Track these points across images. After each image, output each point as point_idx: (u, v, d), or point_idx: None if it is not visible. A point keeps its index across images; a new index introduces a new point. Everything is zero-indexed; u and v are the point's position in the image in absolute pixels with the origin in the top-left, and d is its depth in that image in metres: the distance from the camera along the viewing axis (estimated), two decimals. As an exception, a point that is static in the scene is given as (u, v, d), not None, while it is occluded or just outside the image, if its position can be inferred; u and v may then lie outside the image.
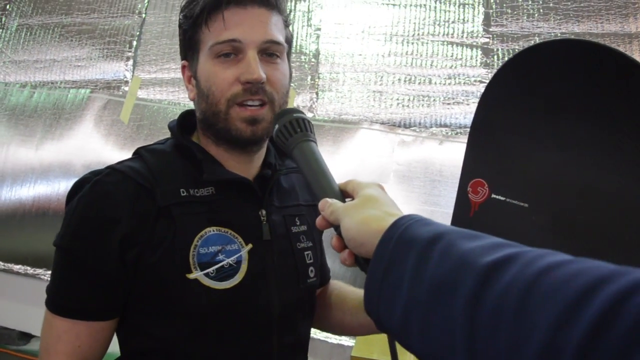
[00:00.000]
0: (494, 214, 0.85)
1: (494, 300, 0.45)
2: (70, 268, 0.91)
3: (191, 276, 0.89)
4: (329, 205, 0.70)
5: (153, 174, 0.92)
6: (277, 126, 0.84)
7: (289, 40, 0.99)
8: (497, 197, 0.85)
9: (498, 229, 0.85)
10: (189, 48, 0.96)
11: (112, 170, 0.92)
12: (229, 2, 0.91)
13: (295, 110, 0.85)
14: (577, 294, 0.40)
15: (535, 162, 0.82)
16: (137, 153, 0.99)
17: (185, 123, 1.03)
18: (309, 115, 2.82)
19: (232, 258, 0.93)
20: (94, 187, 0.91)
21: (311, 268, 1.04)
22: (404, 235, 0.56)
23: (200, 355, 0.93)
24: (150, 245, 0.89)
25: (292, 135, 0.82)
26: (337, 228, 0.69)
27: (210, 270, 0.91)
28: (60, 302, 0.91)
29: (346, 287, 1.22)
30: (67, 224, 0.91)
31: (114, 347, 1.00)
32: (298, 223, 1.05)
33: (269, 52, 0.93)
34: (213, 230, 0.92)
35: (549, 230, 0.80)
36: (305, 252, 1.04)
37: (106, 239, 0.88)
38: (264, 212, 0.98)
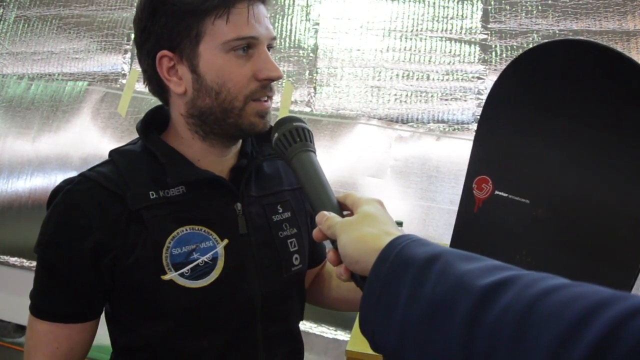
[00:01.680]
0: (497, 210, 0.87)
1: (492, 322, 0.45)
2: (47, 274, 0.94)
3: (166, 277, 0.90)
4: (327, 219, 0.69)
5: (123, 178, 0.93)
6: (276, 134, 0.83)
7: None
8: (500, 193, 0.86)
9: (501, 224, 0.86)
10: (182, 38, 0.91)
11: (83, 178, 0.93)
12: None
13: (296, 119, 0.85)
14: (577, 317, 0.40)
15: (538, 160, 0.84)
16: (110, 155, 0.99)
17: (156, 119, 1.01)
18: (306, 109, 2.82)
19: (207, 255, 0.93)
20: (65, 197, 0.92)
21: (296, 256, 1.04)
22: (401, 255, 0.56)
23: (186, 350, 0.94)
24: (124, 250, 0.90)
25: (291, 145, 0.81)
26: (334, 242, 0.68)
27: (184, 270, 0.91)
28: (39, 305, 0.94)
29: None
30: (42, 232, 0.94)
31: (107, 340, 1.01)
32: (280, 211, 1.04)
33: (269, 47, 0.95)
34: (186, 230, 0.93)
35: (548, 225, 0.81)
36: (289, 240, 1.04)
37: (78, 247, 0.90)
38: (239, 205, 0.98)
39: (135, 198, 0.91)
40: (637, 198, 0.74)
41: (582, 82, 0.81)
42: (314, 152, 0.82)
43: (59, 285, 0.92)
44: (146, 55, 0.95)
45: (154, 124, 1.01)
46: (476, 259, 0.53)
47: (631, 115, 0.76)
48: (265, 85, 0.92)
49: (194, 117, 0.95)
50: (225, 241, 0.95)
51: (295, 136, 0.81)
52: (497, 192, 0.87)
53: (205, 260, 0.93)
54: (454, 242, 0.93)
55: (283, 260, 1.02)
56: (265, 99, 0.94)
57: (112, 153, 0.99)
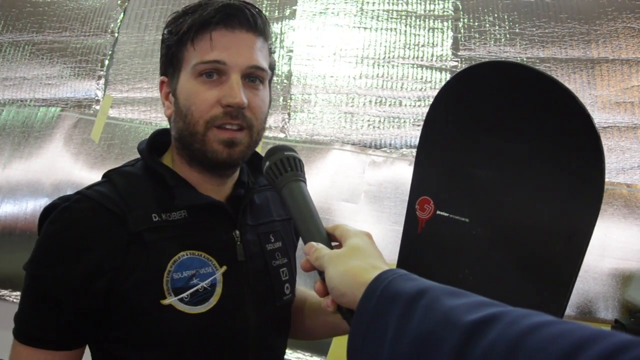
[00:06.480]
0: (439, 229, 0.88)
1: (479, 358, 0.45)
2: (36, 296, 0.89)
3: (165, 302, 0.88)
4: (315, 250, 0.70)
5: (124, 199, 0.91)
6: (267, 163, 0.84)
7: (272, 67, 0.99)
8: (442, 213, 0.88)
9: (443, 244, 0.88)
10: (170, 64, 0.95)
11: (82, 197, 0.90)
12: (217, 23, 0.90)
13: (287, 148, 0.85)
14: (563, 354, 0.40)
15: (474, 178, 0.86)
16: (107, 176, 0.97)
17: (156, 143, 1.02)
18: (280, 135, 2.84)
19: (206, 281, 0.92)
20: (62, 215, 0.89)
21: (287, 285, 1.04)
22: (388, 290, 0.56)
23: None
24: (123, 272, 0.88)
25: (282, 174, 0.82)
26: (321, 274, 0.69)
27: (184, 295, 0.89)
28: (24, 330, 0.89)
29: (305, 291, 1.21)
30: (36, 249, 0.90)
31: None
32: (272, 240, 1.04)
33: (252, 77, 0.94)
34: (187, 255, 0.91)
35: (487, 243, 0.83)
36: (281, 270, 1.04)
37: (73, 268, 0.87)
38: (237, 232, 0.98)
39: (137, 220, 0.89)
40: (569, 212, 0.76)
41: (509, 101, 0.83)
42: (305, 182, 0.83)
43: (47, 308, 0.88)
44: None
45: (154, 147, 1.01)
46: (462, 294, 0.53)
47: (554, 131, 0.78)
48: (228, 112, 0.90)
49: (177, 140, 0.96)
50: (224, 268, 0.94)
51: (287, 165, 0.82)
52: (438, 212, 0.88)
53: (205, 286, 0.91)
54: (400, 264, 0.94)
55: (276, 289, 1.02)
56: (234, 127, 0.92)
57: (110, 173, 0.97)
